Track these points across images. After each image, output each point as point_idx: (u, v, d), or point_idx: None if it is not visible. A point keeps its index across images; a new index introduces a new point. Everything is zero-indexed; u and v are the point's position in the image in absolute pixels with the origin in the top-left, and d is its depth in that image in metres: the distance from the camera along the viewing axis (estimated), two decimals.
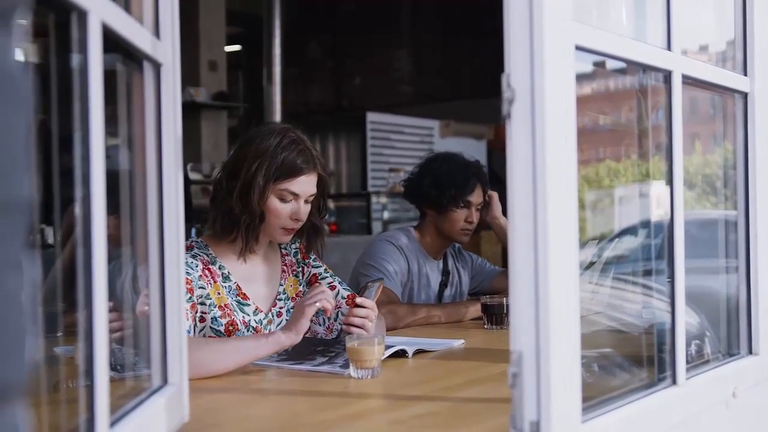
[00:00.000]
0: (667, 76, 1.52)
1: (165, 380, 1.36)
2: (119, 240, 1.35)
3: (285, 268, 2.36)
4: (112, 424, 1.08)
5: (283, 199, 2.17)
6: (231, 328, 2.15)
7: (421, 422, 1.49)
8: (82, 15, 0.99)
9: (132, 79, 1.33)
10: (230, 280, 2.20)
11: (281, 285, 2.33)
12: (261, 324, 2.23)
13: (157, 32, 1.35)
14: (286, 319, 2.27)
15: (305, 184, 2.19)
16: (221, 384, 1.84)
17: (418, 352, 2.16)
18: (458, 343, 2.33)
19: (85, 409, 1.01)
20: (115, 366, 1.33)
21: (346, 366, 1.88)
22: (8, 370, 0.54)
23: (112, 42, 1.11)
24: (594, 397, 1.32)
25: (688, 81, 1.57)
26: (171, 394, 1.34)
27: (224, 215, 2.18)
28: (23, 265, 0.56)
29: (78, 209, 1.02)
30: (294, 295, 2.34)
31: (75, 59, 1.01)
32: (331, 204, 7.73)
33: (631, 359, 1.72)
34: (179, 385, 1.38)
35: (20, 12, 0.58)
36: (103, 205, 1.02)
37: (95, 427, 1.00)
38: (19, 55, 0.57)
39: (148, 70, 1.33)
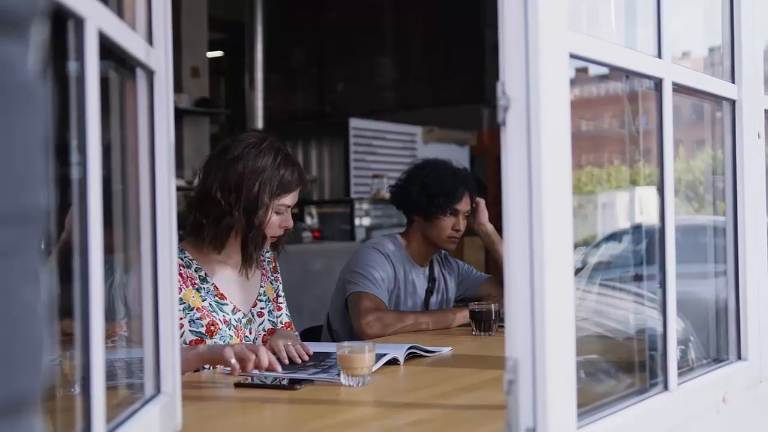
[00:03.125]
0: (658, 83, 1.53)
1: (158, 389, 1.35)
2: (111, 247, 1.34)
3: (264, 271, 2.44)
4: None
5: (278, 213, 2.28)
6: (212, 328, 2.21)
7: (416, 429, 1.49)
8: (79, 22, 0.99)
9: (124, 87, 1.33)
10: (208, 282, 2.26)
11: (261, 287, 2.41)
12: (240, 323, 2.29)
13: (150, 39, 1.34)
14: (269, 320, 2.38)
15: (296, 196, 2.32)
16: (214, 393, 1.83)
17: (410, 356, 2.16)
18: (447, 350, 2.33)
19: (81, 417, 1.00)
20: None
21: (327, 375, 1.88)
22: (26, 380, 0.54)
23: (106, 49, 1.10)
24: (588, 404, 1.32)
25: (678, 88, 1.58)
26: (164, 403, 1.33)
27: (224, 231, 2.23)
28: (39, 275, 0.56)
29: (73, 217, 1.01)
30: (271, 299, 2.43)
31: (71, 66, 1.00)
32: (314, 210, 7.72)
33: (621, 365, 1.72)
34: (172, 394, 1.37)
35: (37, 22, 0.58)
36: (100, 212, 1.02)
37: None
38: (35, 64, 0.57)
39: (141, 77, 1.33)
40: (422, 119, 8.53)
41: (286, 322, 2.43)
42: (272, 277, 2.46)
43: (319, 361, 2.11)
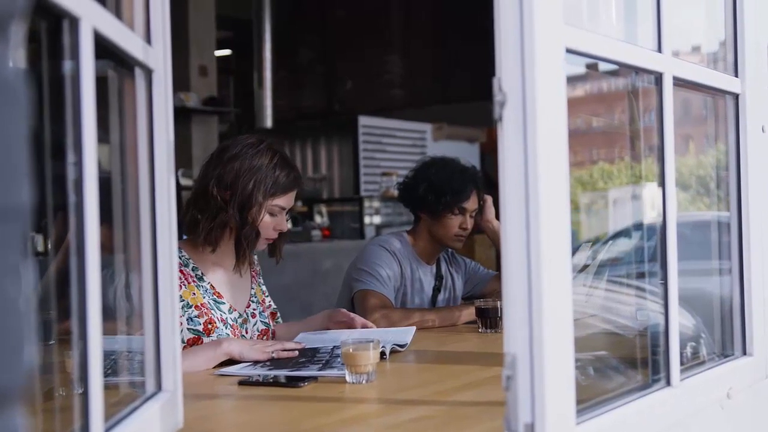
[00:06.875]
0: (658, 78, 1.52)
1: (159, 387, 1.36)
2: (111, 247, 1.35)
3: (254, 274, 2.49)
4: (107, 430, 1.08)
5: (272, 214, 2.30)
6: (210, 326, 2.23)
7: (417, 426, 1.49)
8: (74, 21, 0.99)
9: (123, 86, 1.33)
10: (204, 281, 2.29)
11: (252, 288, 2.44)
12: (236, 322, 2.32)
13: (148, 38, 1.34)
14: (260, 321, 2.41)
15: (292, 199, 2.34)
16: (215, 390, 1.84)
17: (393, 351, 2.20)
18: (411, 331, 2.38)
19: (79, 415, 1.01)
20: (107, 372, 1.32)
21: (342, 369, 1.88)
22: (7, 375, 0.54)
23: (103, 48, 1.11)
24: (589, 399, 1.32)
25: (679, 83, 1.58)
26: (165, 401, 1.33)
27: (219, 227, 2.26)
28: (21, 271, 0.56)
29: (71, 216, 1.01)
30: (260, 301, 2.46)
31: (67, 65, 1.01)
32: (324, 209, 7.72)
33: (626, 361, 1.72)
34: (173, 392, 1.38)
35: (18, 19, 0.59)
36: (96, 212, 1.02)
37: None
38: (16, 62, 0.57)
39: (139, 76, 1.33)
40: (431, 116, 8.52)
41: (262, 330, 2.43)
42: (259, 280, 2.51)
43: (311, 357, 2.11)
